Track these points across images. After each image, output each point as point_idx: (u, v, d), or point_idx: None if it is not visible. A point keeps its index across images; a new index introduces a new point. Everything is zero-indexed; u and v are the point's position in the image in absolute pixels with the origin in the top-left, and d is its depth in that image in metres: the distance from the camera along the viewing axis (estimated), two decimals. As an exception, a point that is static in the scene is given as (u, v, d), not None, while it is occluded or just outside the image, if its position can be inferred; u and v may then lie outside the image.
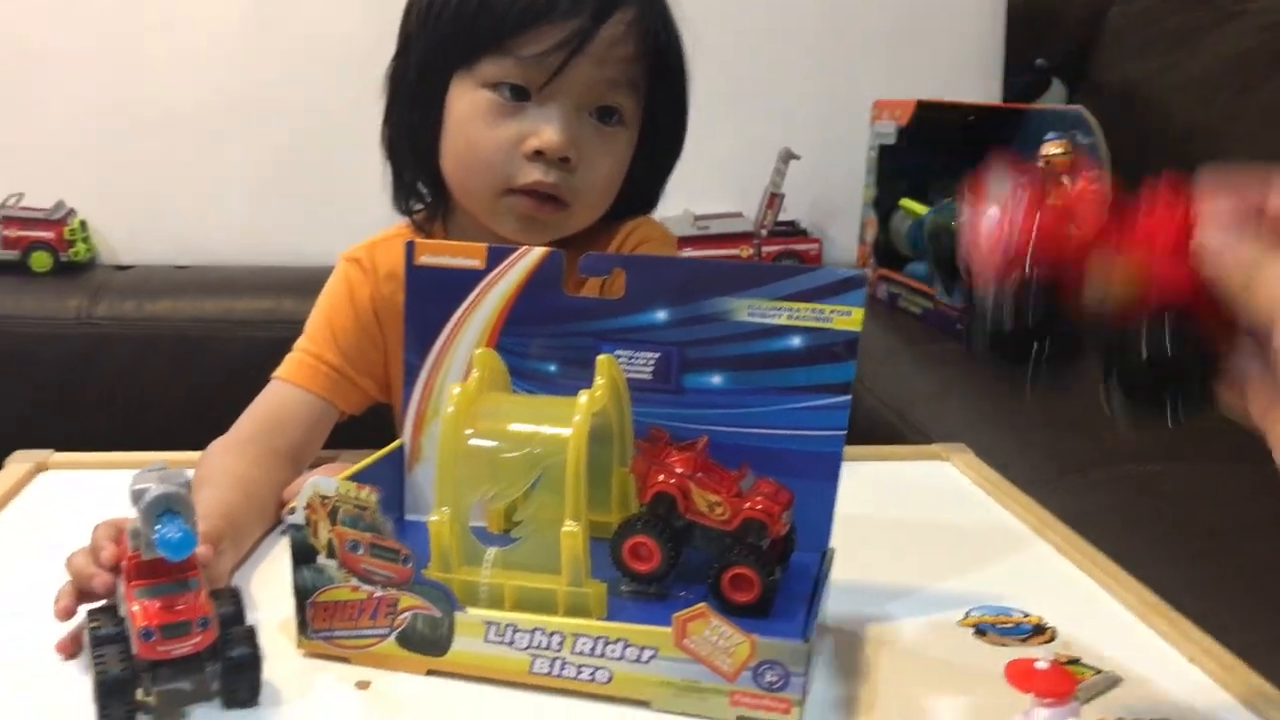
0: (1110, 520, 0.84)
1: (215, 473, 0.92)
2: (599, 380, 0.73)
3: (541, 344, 0.82)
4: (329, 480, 0.70)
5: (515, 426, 0.72)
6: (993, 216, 0.64)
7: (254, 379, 1.84)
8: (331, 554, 0.70)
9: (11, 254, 1.99)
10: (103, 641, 0.65)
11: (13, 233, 1.99)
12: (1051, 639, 0.78)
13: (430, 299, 0.83)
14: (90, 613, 0.69)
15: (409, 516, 0.85)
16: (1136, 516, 1.11)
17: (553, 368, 0.82)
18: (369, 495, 0.69)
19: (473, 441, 0.71)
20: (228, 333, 1.86)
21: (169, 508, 0.64)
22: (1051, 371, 0.63)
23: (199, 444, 0.99)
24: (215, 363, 1.83)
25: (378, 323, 1.09)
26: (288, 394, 1.05)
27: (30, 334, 1.85)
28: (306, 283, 1.97)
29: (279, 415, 1.04)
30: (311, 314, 1.12)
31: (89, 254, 2.08)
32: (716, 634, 0.65)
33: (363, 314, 1.09)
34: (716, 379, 0.80)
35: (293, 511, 0.71)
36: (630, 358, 0.81)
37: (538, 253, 0.81)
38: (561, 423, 0.70)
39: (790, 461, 0.77)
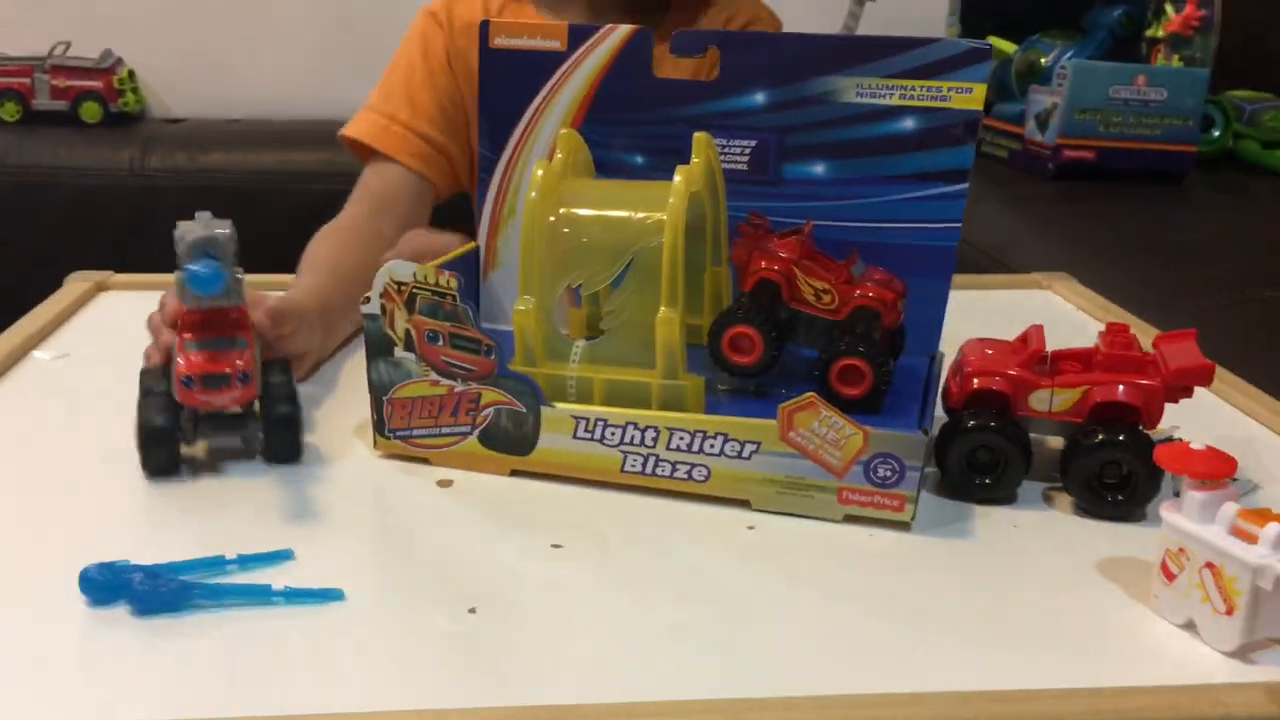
0: (1229, 344, 0.77)
1: (316, 258, 0.91)
2: (695, 160, 0.66)
3: (627, 133, 0.76)
4: (405, 265, 0.65)
5: (605, 210, 0.66)
6: None
7: (310, 233, 1.81)
8: (409, 346, 0.66)
9: (60, 104, 1.95)
10: (149, 394, 0.67)
11: (60, 82, 1.95)
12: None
13: (506, 86, 0.77)
14: (144, 370, 0.70)
15: (485, 326, 0.80)
16: (1256, 339, 1.03)
17: (639, 159, 0.76)
18: (449, 281, 0.64)
19: (559, 224, 0.65)
20: (283, 185, 1.81)
21: (206, 250, 0.64)
22: None
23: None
24: (270, 216, 1.79)
25: (454, 78, 1.05)
26: (393, 177, 1.02)
27: (83, 185, 1.82)
28: None
29: (384, 199, 1.01)
30: (385, 73, 1.09)
31: (139, 105, 2.03)
32: (826, 425, 0.60)
33: (437, 70, 1.05)
34: (819, 168, 0.73)
35: (367, 300, 0.66)
36: (724, 146, 0.74)
37: (623, 31, 0.74)
38: (655, 205, 0.64)
39: (899, 257, 0.71)
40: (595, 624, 0.54)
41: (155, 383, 0.67)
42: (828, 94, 0.71)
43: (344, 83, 2.14)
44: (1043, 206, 1.59)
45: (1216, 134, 1.82)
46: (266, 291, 0.78)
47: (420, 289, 0.65)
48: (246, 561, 0.57)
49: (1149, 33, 1.83)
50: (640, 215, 0.64)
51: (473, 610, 0.54)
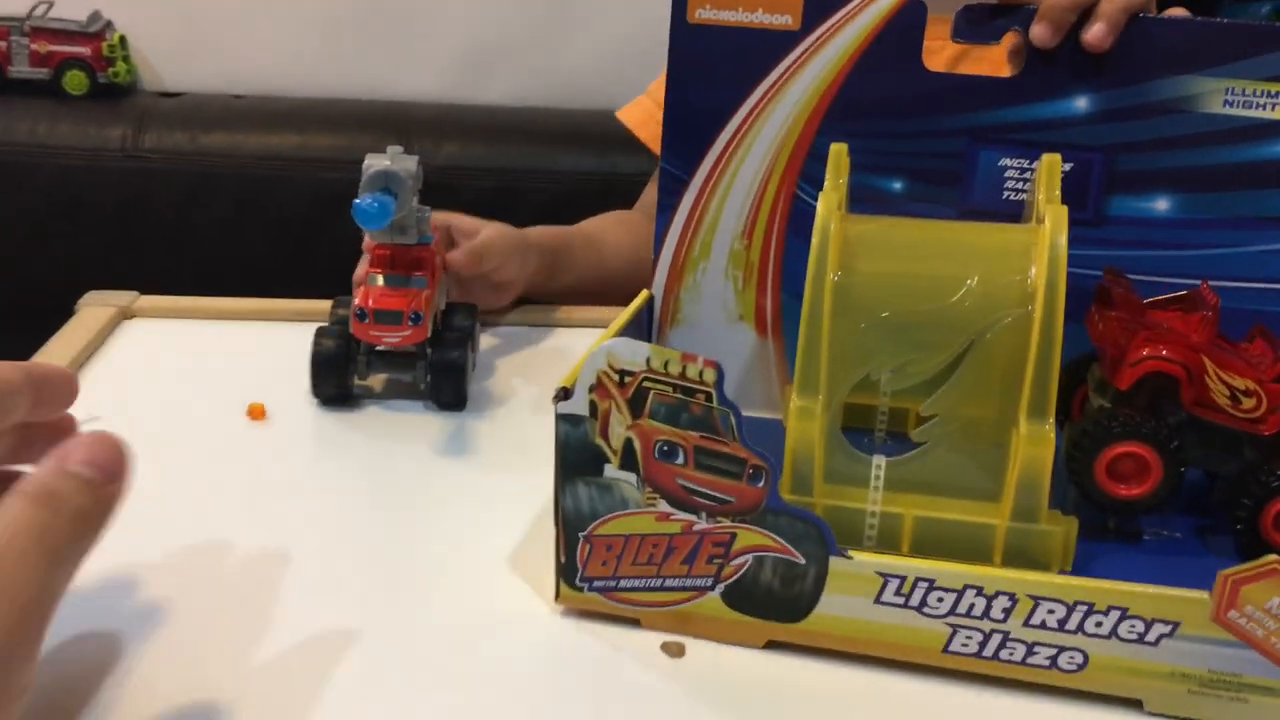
0: None
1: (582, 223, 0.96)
2: (1042, 194, 0.46)
3: (881, 148, 0.55)
4: (633, 345, 0.43)
5: (921, 268, 0.45)
6: None
7: (327, 222, 1.57)
8: (629, 462, 0.45)
9: (42, 72, 1.67)
10: (331, 324, 0.69)
11: (42, 47, 1.67)
12: None
13: (707, 78, 0.56)
14: (335, 300, 0.72)
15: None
16: None
17: (898, 184, 0.55)
18: (703, 372, 0.43)
19: (853, 287, 0.44)
20: (296, 171, 1.56)
21: (386, 185, 0.63)
22: None
23: (266, 293, 0.84)
24: (282, 204, 1.55)
25: None
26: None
27: (70, 165, 1.54)
28: (384, 118, 1.66)
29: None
30: None
31: (130, 76, 1.77)
32: (1293, 604, 0.41)
33: None
34: (1161, 204, 0.53)
35: (565, 393, 0.45)
36: (1024, 170, 0.54)
37: (885, 2, 0.53)
38: (998, 259, 0.44)
39: (1272, 327, 0.51)
40: None
41: (337, 311, 0.70)
42: (1180, 101, 0.51)
43: (363, 58, 1.90)
44: None
45: None
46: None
47: (656, 382, 0.43)
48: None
49: None
50: (976, 277, 0.44)
51: None
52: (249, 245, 1.56)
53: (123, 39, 1.74)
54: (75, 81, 1.67)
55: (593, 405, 0.44)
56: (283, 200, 1.54)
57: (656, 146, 0.91)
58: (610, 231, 0.96)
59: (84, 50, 1.67)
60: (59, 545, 0.35)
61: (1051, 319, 0.42)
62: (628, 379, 0.44)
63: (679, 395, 0.43)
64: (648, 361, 0.43)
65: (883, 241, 0.46)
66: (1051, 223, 0.43)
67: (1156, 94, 0.52)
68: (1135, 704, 0.43)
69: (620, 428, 0.44)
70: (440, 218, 0.74)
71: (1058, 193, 0.46)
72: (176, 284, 0.89)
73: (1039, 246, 0.43)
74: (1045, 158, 0.47)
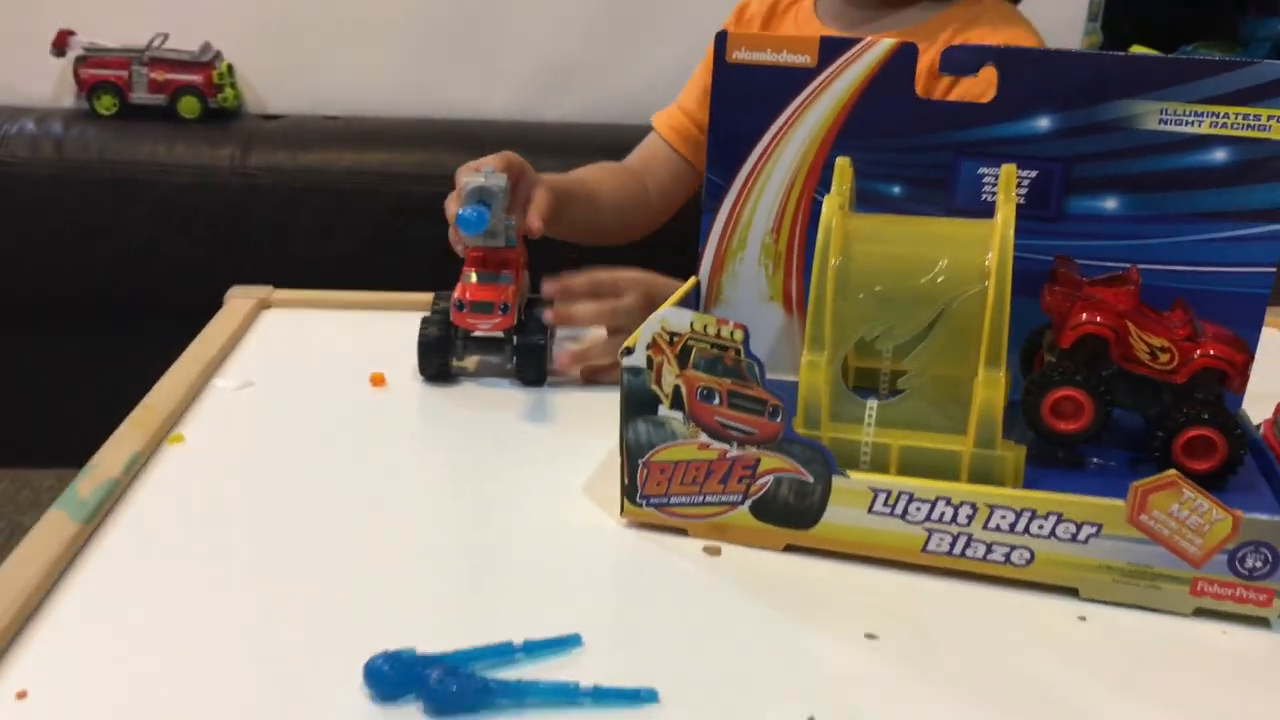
0: None
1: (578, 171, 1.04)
2: (1004, 196, 0.58)
3: (883, 159, 0.68)
4: (681, 313, 0.57)
5: (905, 251, 0.58)
6: None
7: (409, 233, 1.72)
8: (677, 403, 0.58)
9: (159, 98, 1.85)
10: (433, 314, 0.82)
11: (160, 75, 1.84)
12: None
13: (743, 105, 0.69)
14: (435, 295, 0.85)
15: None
16: None
17: (896, 189, 0.68)
18: (733, 333, 0.56)
19: (851, 269, 0.57)
20: (382, 185, 1.71)
21: (481, 198, 0.77)
22: None
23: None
24: (369, 216, 1.71)
25: None
26: (656, 145, 1.12)
27: (184, 182, 1.72)
28: (463, 135, 1.82)
29: (648, 160, 1.12)
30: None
31: (236, 101, 1.94)
32: (1188, 508, 0.52)
33: None
34: (1110, 203, 0.65)
35: (629, 351, 0.58)
36: (996, 177, 0.66)
37: (885, 46, 0.66)
38: (965, 246, 0.56)
39: (1200, 305, 0.63)
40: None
41: (439, 304, 0.83)
42: (1125, 120, 0.63)
43: (445, 80, 2.06)
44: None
45: None
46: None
47: (698, 340, 0.57)
48: (534, 649, 0.49)
49: None
50: (946, 260, 0.56)
51: (812, 719, 0.46)
52: (340, 252, 1.71)
53: (230, 67, 1.91)
54: (189, 106, 1.85)
55: (649, 359, 0.58)
56: (370, 211, 1.70)
57: (663, 129, 1.12)
58: (604, 184, 1.05)
59: (196, 78, 1.84)
60: None
61: (1001, 292, 0.54)
62: (676, 339, 0.57)
63: (715, 351, 0.56)
64: (691, 325, 0.56)
65: (874, 233, 0.59)
66: (1002, 219, 0.55)
67: (1105, 115, 0.64)
68: (1072, 591, 0.56)
69: (670, 377, 0.57)
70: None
71: (1013, 194, 0.58)
72: (277, 286, 1.04)
73: (994, 237, 0.55)
74: (1004, 168, 0.59)
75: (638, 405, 0.59)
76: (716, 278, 0.73)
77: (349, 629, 0.51)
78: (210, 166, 1.73)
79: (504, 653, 0.48)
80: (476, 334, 0.81)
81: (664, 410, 0.58)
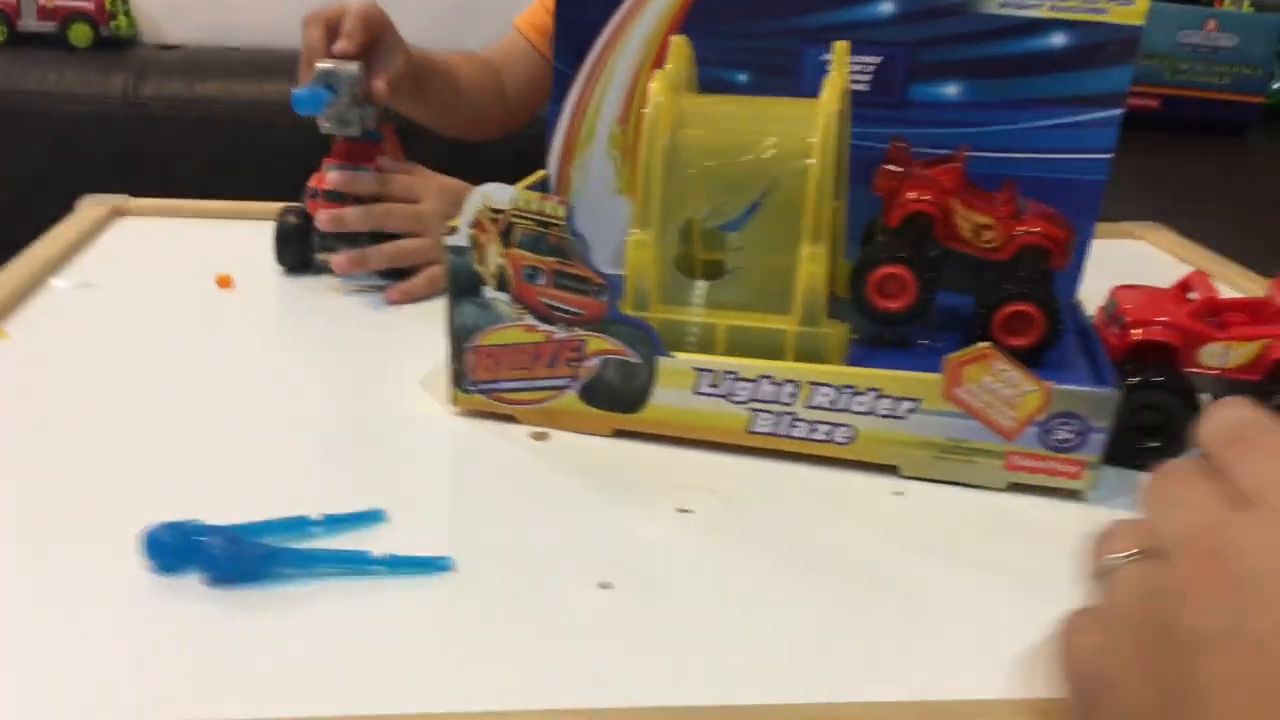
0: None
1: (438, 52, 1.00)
2: (835, 74, 0.57)
3: (729, 46, 0.66)
4: (503, 189, 0.55)
5: (732, 131, 0.57)
6: None
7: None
8: (502, 284, 0.57)
9: (48, 25, 1.78)
10: (292, 204, 0.82)
11: (49, 1, 1.79)
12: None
13: (589, -10, 0.68)
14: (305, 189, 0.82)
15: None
16: None
17: (743, 77, 0.67)
18: (556, 208, 0.55)
19: (680, 147, 0.56)
20: (285, 118, 1.66)
21: (328, 82, 0.76)
22: None
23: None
24: (274, 150, 1.66)
25: None
26: (516, 42, 1.11)
27: (75, 112, 1.66)
28: None
29: (507, 58, 1.11)
30: None
31: (131, 30, 1.87)
32: (1000, 380, 0.52)
33: None
34: (952, 89, 0.65)
35: (452, 230, 0.57)
36: (843, 63, 0.65)
37: (730, -73, 0.65)
38: (792, 126, 0.55)
39: (1040, 192, 0.63)
40: (747, 603, 0.46)
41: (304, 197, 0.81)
42: (967, 4, 0.63)
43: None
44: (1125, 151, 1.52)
45: (1278, 86, 1.73)
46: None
47: (521, 217, 0.55)
48: (334, 523, 0.48)
49: None
50: (773, 138, 0.56)
51: (605, 585, 0.46)
52: (240, 187, 1.66)
53: (125, -6, 1.84)
54: (79, 34, 1.78)
55: (472, 238, 0.56)
56: (272, 145, 1.65)
57: (520, 24, 1.11)
58: (464, 70, 1.04)
59: (88, 5, 1.78)
60: None
61: (824, 167, 0.54)
62: (499, 216, 0.56)
63: (539, 228, 0.55)
64: (514, 201, 0.55)
65: (705, 112, 0.58)
66: (826, 95, 0.54)
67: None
68: (893, 469, 0.56)
69: (495, 256, 0.56)
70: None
71: (844, 71, 0.57)
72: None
73: (817, 113, 0.55)
74: (836, 45, 0.58)
75: (463, 287, 0.57)
76: (565, 170, 0.71)
77: (160, 510, 0.50)
78: (102, 95, 1.67)
79: (299, 526, 0.47)
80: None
81: (489, 292, 0.57)
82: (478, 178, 0.73)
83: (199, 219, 0.92)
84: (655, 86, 0.56)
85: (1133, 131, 1.76)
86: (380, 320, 0.74)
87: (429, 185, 0.81)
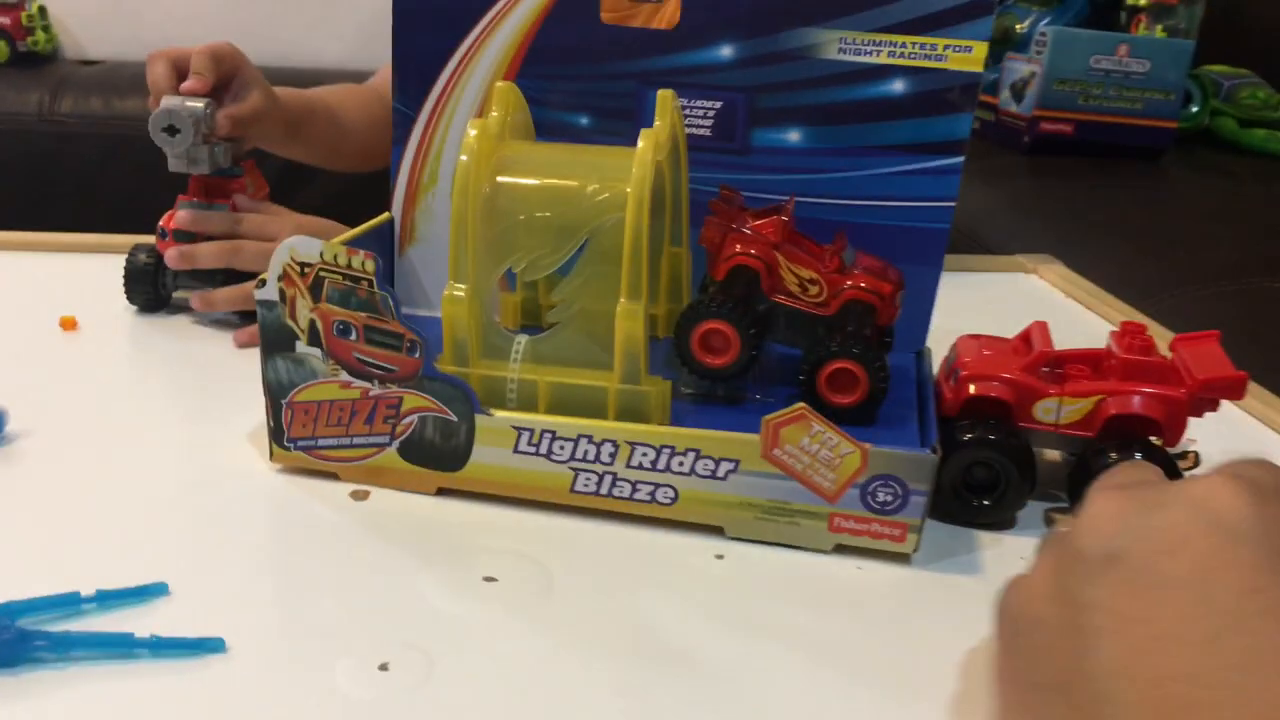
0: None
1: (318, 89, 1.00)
2: (659, 122, 0.56)
3: (569, 88, 0.65)
4: (310, 242, 0.53)
5: (552, 179, 0.55)
6: None
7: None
8: (314, 340, 0.55)
9: None
10: (143, 243, 0.80)
11: None
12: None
13: (427, 28, 0.65)
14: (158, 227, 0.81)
15: (404, 312, 0.69)
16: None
17: (584, 120, 0.65)
18: (364, 263, 0.53)
19: (497, 196, 0.55)
20: None
21: (170, 122, 0.75)
22: None
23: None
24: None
25: None
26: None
27: None
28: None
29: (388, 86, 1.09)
30: None
31: (49, 45, 1.83)
32: (818, 442, 0.51)
33: None
34: (794, 135, 0.64)
35: (262, 283, 0.54)
36: (685, 107, 0.64)
37: (567, -33, 0.63)
38: (613, 175, 0.54)
39: (883, 240, 0.62)
40: (529, 686, 0.43)
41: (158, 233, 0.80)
42: (806, 49, 0.62)
43: (273, 25, 1.97)
44: (1017, 181, 1.51)
45: (1194, 110, 1.73)
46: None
47: (328, 271, 0.53)
48: (108, 599, 0.46)
49: (1130, 0, 1.76)
50: (594, 186, 0.54)
51: (384, 667, 0.44)
52: (153, 206, 1.63)
53: (42, 9, 1.80)
54: (-7, 49, 1.74)
55: (282, 292, 0.54)
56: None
57: None
58: (348, 104, 1.02)
59: (4, 20, 1.74)
60: None
61: (639, 219, 0.52)
62: (307, 269, 0.53)
63: (348, 283, 0.53)
64: (321, 255, 0.53)
65: (525, 159, 0.56)
66: (643, 144, 0.53)
67: (787, 43, 0.62)
68: (719, 530, 0.54)
69: (305, 310, 0.54)
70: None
71: (668, 118, 0.56)
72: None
73: (635, 163, 0.53)
74: (660, 93, 0.57)
75: (275, 342, 0.55)
76: (410, 213, 0.69)
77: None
78: (16, 114, 1.63)
79: (69, 603, 0.45)
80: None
81: (302, 347, 0.55)
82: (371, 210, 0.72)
83: (41, 252, 0.89)
84: (470, 134, 0.54)
85: (1046, 157, 1.76)
86: (225, 366, 0.71)
87: (285, 223, 0.79)
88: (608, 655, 0.46)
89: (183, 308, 0.79)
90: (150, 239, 0.80)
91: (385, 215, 0.69)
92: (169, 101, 0.75)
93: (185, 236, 0.77)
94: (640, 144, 0.53)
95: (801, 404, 0.51)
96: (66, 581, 0.46)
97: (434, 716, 0.41)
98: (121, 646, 0.43)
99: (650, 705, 0.43)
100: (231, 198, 0.79)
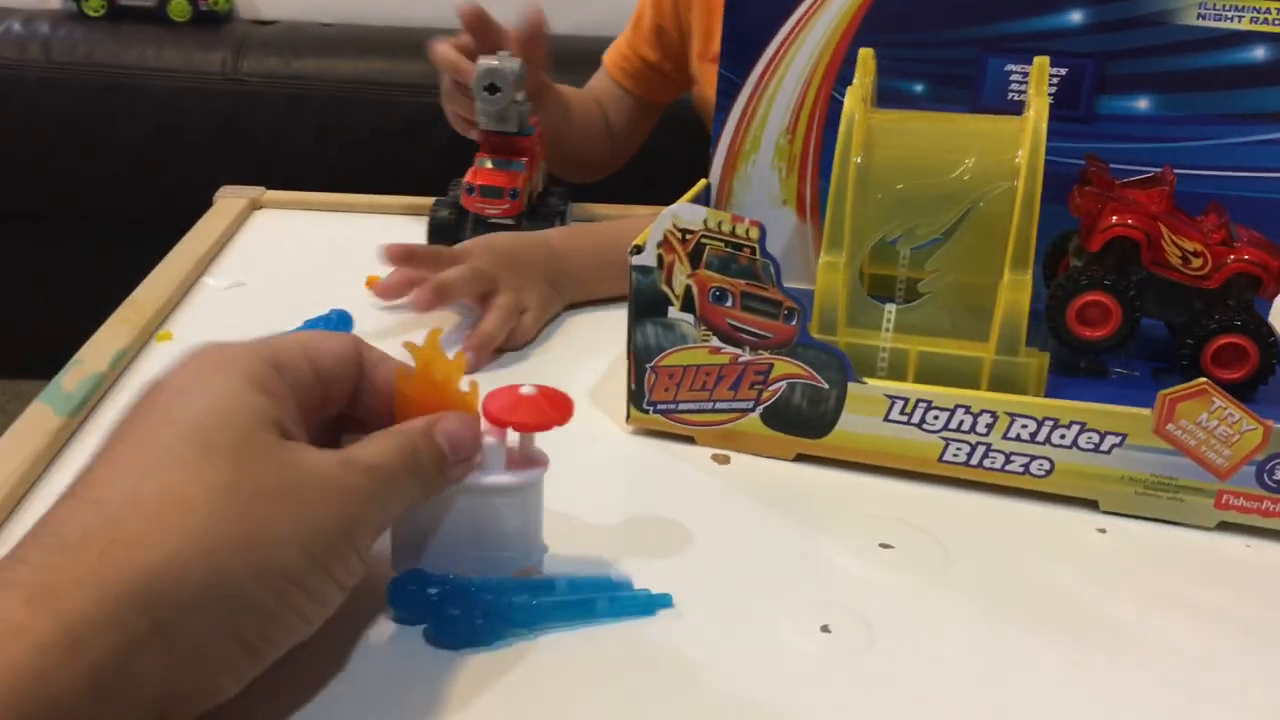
0: None
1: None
2: (1036, 92, 0.55)
3: (905, 55, 0.64)
4: (694, 209, 0.54)
5: (930, 150, 0.55)
6: None
7: (412, 143, 1.67)
8: (688, 305, 0.56)
9: (148, 1, 1.81)
10: (447, 198, 0.83)
11: None
12: None
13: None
14: (451, 182, 0.84)
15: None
16: None
17: (919, 87, 0.65)
18: (748, 229, 0.53)
19: (872, 167, 0.55)
20: (381, 95, 1.66)
21: (491, 80, 0.76)
22: None
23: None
24: (364, 126, 1.66)
25: None
26: (607, 84, 1.12)
27: (174, 88, 1.67)
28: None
29: (601, 94, 1.11)
30: None
31: (228, 5, 1.89)
32: (1217, 418, 0.50)
33: None
34: (1143, 103, 0.62)
35: (638, 250, 0.56)
36: (1024, 74, 0.63)
37: (912, -68, 0.62)
38: (996, 143, 0.54)
39: (1236, 210, 0.60)
40: (968, 654, 0.44)
41: (451, 190, 0.83)
42: (1163, 14, 0.60)
43: None
44: None
45: None
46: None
47: (711, 238, 0.54)
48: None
49: None
50: (977, 156, 0.54)
51: (825, 629, 0.45)
52: (335, 163, 1.67)
53: (221, -30, 1.85)
54: (178, 9, 1.79)
55: (660, 258, 0.55)
56: (368, 121, 1.65)
57: (609, 64, 1.14)
58: (575, 102, 1.04)
59: (187, -21, 1.79)
60: (391, 495, 0.38)
61: (1032, 190, 0.52)
62: (688, 236, 0.54)
63: (729, 250, 0.54)
64: (704, 222, 0.54)
65: (897, 129, 0.56)
66: (1035, 113, 0.52)
67: (1141, 8, 0.60)
68: (1092, 504, 0.54)
69: (682, 276, 0.55)
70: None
71: (1045, 88, 0.55)
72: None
73: (1025, 132, 0.53)
74: (1036, 60, 0.56)
75: (647, 307, 0.56)
76: (728, 180, 0.70)
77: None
78: (201, 72, 1.68)
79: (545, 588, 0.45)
80: (487, 220, 0.80)
81: (674, 312, 0.56)
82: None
83: (334, 212, 0.92)
84: (849, 102, 0.54)
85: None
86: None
87: (472, 247, 0.73)
88: (1029, 623, 0.46)
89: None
90: (419, 202, 0.83)
91: (702, 182, 0.69)
92: (489, 61, 0.76)
93: (491, 192, 0.79)
94: (1030, 111, 0.53)
95: (1204, 379, 0.50)
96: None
97: (887, 681, 0.42)
98: (585, 614, 0.44)
99: (1093, 675, 0.43)
100: (532, 154, 0.81)
